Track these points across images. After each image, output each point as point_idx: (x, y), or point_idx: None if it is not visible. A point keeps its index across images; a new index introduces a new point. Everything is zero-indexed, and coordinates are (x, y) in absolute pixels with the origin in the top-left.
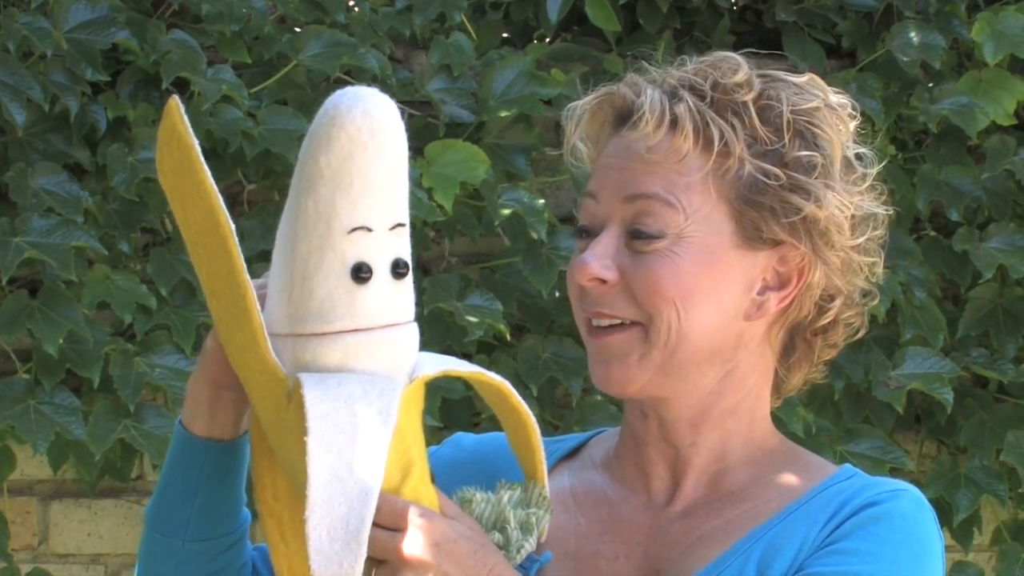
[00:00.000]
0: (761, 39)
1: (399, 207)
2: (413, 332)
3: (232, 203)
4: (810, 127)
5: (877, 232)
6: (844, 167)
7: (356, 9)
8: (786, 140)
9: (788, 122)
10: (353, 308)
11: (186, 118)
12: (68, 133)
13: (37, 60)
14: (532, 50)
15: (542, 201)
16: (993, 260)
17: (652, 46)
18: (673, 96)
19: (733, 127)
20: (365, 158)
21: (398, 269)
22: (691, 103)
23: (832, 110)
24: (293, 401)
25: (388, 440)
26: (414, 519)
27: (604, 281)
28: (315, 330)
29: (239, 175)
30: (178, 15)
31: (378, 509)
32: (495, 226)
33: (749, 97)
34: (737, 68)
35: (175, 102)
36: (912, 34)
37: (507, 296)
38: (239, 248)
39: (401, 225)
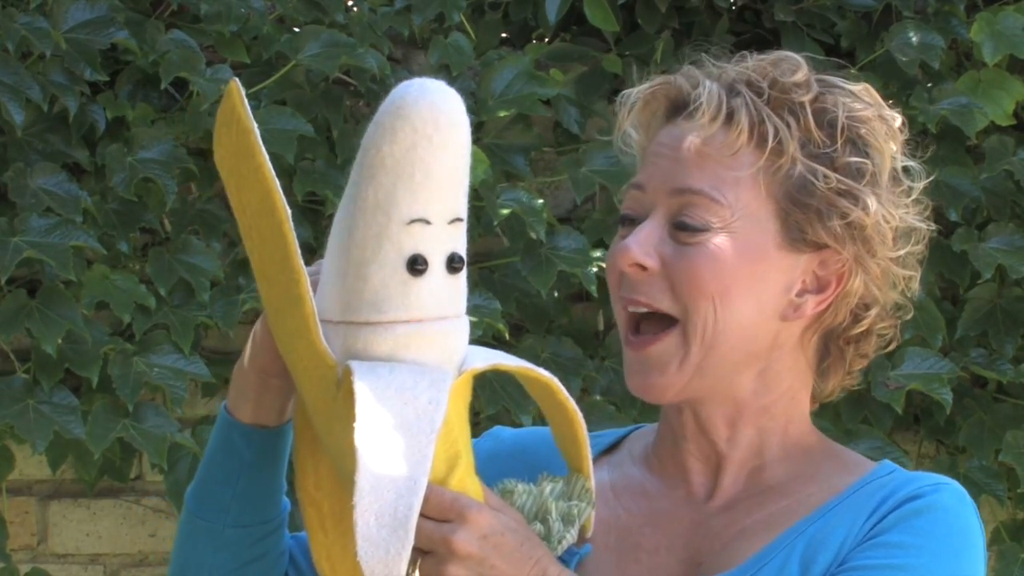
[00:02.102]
0: (760, 39)
1: (459, 202)
2: (464, 325)
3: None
4: (862, 135)
5: (917, 247)
6: (891, 179)
7: (355, 9)
8: (838, 145)
9: (842, 127)
10: (407, 300)
11: (246, 101)
12: (67, 133)
13: (36, 60)
14: (531, 50)
15: (541, 201)
16: (992, 260)
17: (651, 46)
18: (731, 90)
19: (788, 125)
20: (429, 150)
21: (453, 264)
22: (748, 98)
23: (884, 121)
24: (342, 389)
25: (437, 430)
26: (461, 510)
27: (644, 268)
28: (367, 319)
29: None
30: (177, 15)
31: (425, 500)
32: (494, 226)
33: (807, 98)
34: (797, 68)
35: (236, 85)
36: (911, 34)
37: (506, 296)
38: (294, 233)
39: (459, 220)
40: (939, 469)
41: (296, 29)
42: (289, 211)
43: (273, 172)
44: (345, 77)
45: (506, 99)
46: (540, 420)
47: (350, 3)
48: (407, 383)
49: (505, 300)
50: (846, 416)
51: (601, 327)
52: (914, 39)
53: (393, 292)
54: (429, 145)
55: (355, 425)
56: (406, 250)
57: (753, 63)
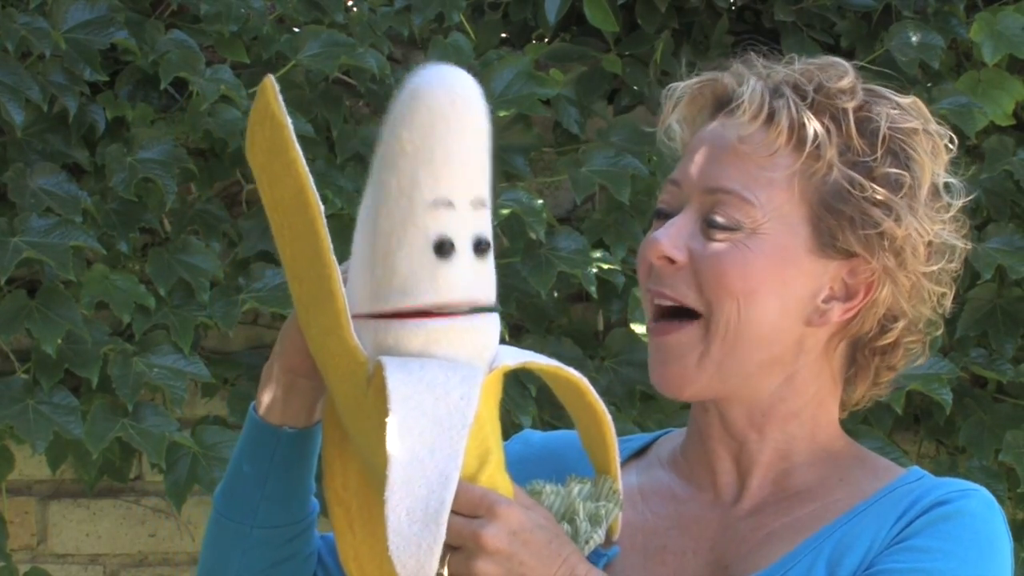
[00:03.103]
0: (760, 39)
1: (481, 184)
2: (495, 322)
3: (231, 203)
4: (904, 147)
5: (952, 265)
6: (931, 194)
7: (355, 9)
8: (878, 155)
9: (884, 137)
10: (436, 283)
11: (280, 97)
12: (67, 133)
13: (36, 60)
14: (531, 50)
15: (541, 201)
16: (992, 260)
17: (651, 46)
18: (775, 91)
19: (828, 131)
20: (447, 131)
21: (480, 246)
22: (791, 100)
23: (929, 136)
24: (373, 385)
25: (469, 426)
26: (491, 506)
27: (673, 261)
28: (398, 306)
29: (238, 175)
30: (177, 15)
31: (455, 495)
32: (494, 226)
33: (850, 105)
34: (844, 74)
35: (270, 81)
36: (911, 34)
37: (506, 296)
38: (327, 230)
39: (483, 203)
40: (939, 469)
41: (296, 29)
42: (322, 207)
43: (307, 168)
44: (345, 77)
45: (506, 99)
46: (539, 422)
47: (350, 3)
48: (439, 379)
49: (505, 300)
50: (846, 416)
51: (601, 327)
52: (914, 39)
53: (422, 277)
54: (447, 126)
55: (387, 420)
56: (432, 234)
57: (801, 66)
